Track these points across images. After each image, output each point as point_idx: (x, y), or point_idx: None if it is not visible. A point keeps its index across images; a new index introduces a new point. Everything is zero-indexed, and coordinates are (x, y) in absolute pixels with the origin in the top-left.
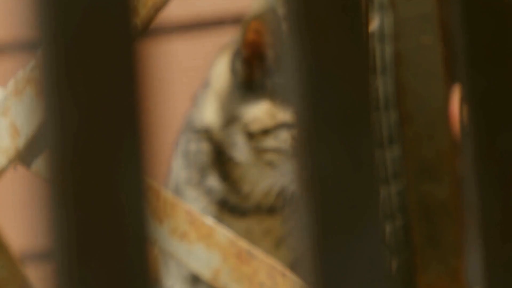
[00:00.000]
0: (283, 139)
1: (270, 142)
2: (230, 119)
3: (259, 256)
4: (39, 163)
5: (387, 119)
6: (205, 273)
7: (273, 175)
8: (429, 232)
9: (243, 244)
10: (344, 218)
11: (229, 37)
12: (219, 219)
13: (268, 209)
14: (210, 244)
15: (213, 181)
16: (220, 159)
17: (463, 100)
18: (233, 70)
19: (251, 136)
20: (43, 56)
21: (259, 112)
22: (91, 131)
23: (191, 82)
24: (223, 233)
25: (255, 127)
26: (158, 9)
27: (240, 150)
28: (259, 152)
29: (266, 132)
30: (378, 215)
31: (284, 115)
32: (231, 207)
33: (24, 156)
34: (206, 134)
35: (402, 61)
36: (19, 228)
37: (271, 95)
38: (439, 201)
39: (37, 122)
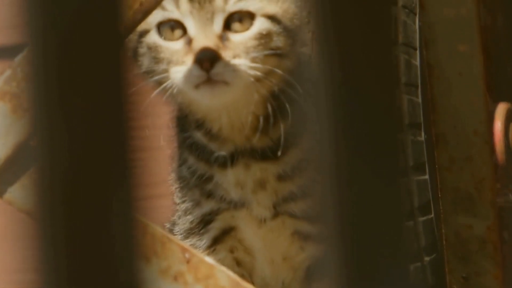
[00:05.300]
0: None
1: None
2: None
3: None
4: (14, 192)
5: (414, 140)
6: None
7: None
8: (465, 273)
9: (248, 286)
10: (370, 254)
11: None
12: (212, 176)
13: (253, 152)
14: (210, 286)
15: (193, 134)
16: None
17: (510, 117)
18: None
19: None
20: (30, 64)
21: None
22: (81, 156)
23: None
24: (226, 273)
25: None
26: (146, 12)
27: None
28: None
29: None
30: (406, 252)
31: None
32: (214, 156)
33: None
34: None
35: (433, 73)
36: None
37: None
38: (477, 237)
39: (12, 144)
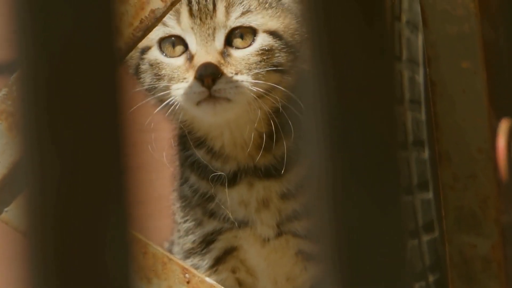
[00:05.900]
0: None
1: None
2: None
3: None
4: (11, 211)
5: (418, 158)
6: None
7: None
8: None
9: None
10: (371, 273)
11: None
12: (214, 195)
13: (257, 170)
14: None
15: (195, 152)
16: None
17: None
18: None
19: None
20: (21, 85)
21: None
22: (73, 177)
23: None
24: None
25: None
26: (146, 29)
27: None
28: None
29: None
30: (407, 271)
31: None
32: (218, 175)
33: None
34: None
35: (436, 90)
36: None
37: None
38: (481, 257)
39: (8, 163)
